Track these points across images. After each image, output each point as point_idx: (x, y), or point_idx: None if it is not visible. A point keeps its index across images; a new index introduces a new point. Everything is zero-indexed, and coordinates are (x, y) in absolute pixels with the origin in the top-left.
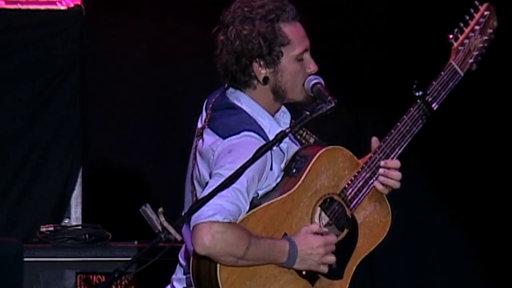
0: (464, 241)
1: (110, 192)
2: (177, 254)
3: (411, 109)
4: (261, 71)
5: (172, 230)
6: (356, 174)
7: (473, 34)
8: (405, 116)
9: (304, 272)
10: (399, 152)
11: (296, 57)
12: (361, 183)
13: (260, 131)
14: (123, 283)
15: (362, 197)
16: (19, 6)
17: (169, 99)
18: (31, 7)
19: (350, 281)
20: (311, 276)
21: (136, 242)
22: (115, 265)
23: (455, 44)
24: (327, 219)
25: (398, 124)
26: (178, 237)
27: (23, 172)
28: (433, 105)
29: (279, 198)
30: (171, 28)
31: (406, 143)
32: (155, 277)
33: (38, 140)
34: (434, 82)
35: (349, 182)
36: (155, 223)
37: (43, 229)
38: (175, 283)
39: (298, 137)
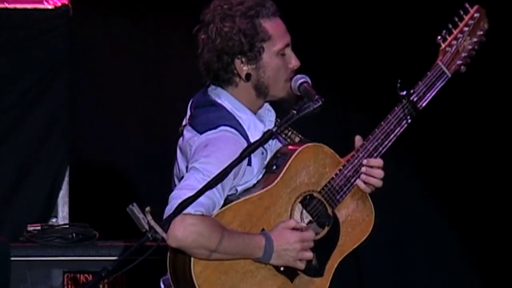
0: (454, 239)
1: (97, 191)
2: (164, 253)
3: (396, 108)
4: (243, 68)
5: (158, 229)
6: (338, 172)
7: (461, 36)
8: (389, 115)
9: (282, 268)
10: (383, 151)
11: (277, 52)
12: (342, 181)
13: (237, 126)
14: (110, 282)
15: (344, 195)
16: (6, 5)
17: (157, 98)
18: (18, 6)
19: (332, 279)
20: (290, 272)
21: (123, 241)
22: (103, 264)
23: (443, 45)
24: (308, 216)
25: (382, 123)
26: (165, 236)
27: (10, 171)
28: (418, 105)
29: (257, 193)
30: (160, 27)
31: (391, 143)
32: (142, 276)
33: (26, 139)
34: (420, 82)
35: (330, 180)
36: (142, 222)
37: (30, 228)
38: (161, 284)
39: (284, 136)
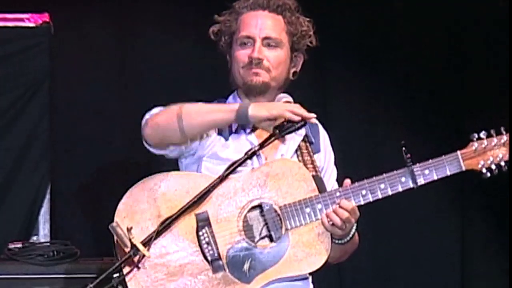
0: (435, 252)
1: (79, 209)
2: None
3: (394, 171)
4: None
5: (140, 247)
6: (307, 198)
7: (496, 141)
8: (385, 174)
9: (209, 258)
10: (358, 203)
11: (236, 41)
12: (308, 209)
13: None
14: None
15: (304, 222)
16: None
17: (140, 112)
18: None
19: None
20: (217, 264)
21: (105, 259)
22: (84, 282)
23: (474, 140)
24: (260, 221)
25: (374, 177)
26: (147, 254)
27: None
28: (418, 181)
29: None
30: (143, 41)
31: (376, 198)
32: None
33: (6, 157)
34: (430, 160)
35: (296, 202)
36: (125, 240)
37: (11, 246)
38: None
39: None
